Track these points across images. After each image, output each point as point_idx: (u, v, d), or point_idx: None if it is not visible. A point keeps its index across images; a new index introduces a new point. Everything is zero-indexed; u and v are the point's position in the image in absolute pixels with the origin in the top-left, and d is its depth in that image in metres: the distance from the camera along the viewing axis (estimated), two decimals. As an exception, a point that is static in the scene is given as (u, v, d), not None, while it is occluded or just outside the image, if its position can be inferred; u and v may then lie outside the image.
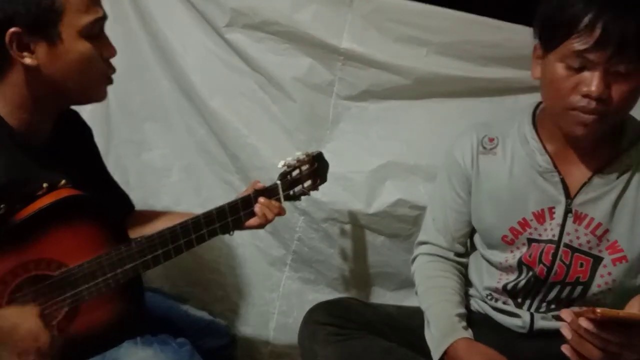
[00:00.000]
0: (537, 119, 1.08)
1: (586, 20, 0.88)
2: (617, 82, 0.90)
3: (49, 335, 0.84)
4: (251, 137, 1.41)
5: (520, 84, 1.31)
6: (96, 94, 0.98)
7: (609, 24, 0.86)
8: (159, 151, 1.55)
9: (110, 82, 0.98)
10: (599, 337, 0.73)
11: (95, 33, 0.91)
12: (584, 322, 0.73)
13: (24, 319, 0.83)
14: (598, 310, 0.70)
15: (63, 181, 0.93)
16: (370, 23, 1.30)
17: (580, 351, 0.76)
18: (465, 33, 1.28)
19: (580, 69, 0.91)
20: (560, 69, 0.93)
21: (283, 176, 1.10)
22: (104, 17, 0.93)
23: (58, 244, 0.90)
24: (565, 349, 0.78)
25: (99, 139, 1.16)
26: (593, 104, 0.90)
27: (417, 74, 1.31)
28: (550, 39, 0.94)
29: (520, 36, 1.27)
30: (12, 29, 0.83)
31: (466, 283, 1.21)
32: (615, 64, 0.88)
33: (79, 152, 1.05)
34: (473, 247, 1.21)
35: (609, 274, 1.02)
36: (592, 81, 0.89)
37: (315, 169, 1.15)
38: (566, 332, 0.77)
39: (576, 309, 0.95)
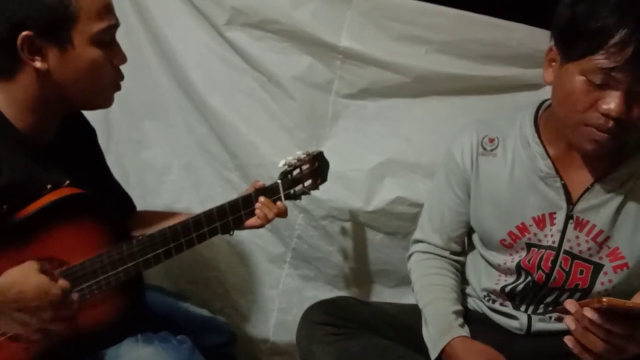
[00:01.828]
0: (540, 120, 1.05)
1: (618, 37, 0.82)
2: (637, 102, 0.86)
3: (58, 285, 0.84)
4: (251, 135, 1.42)
5: (520, 82, 1.32)
6: (103, 101, 0.97)
7: None
8: (159, 149, 1.55)
9: (118, 88, 0.98)
10: (603, 329, 0.72)
11: (106, 40, 0.91)
12: (588, 312, 0.72)
13: (26, 280, 0.81)
14: (604, 299, 0.69)
15: (67, 182, 0.93)
16: (370, 21, 1.31)
17: (584, 343, 0.75)
18: (464, 31, 1.28)
19: (600, 86, 0.86)
20: (579, 82, 0.87)
21: (284, 175, 1.10)
22: (116, 25, 0.93)
23: (59, 242, 0.91)
24: (568, 340, 0.77)
25: (99, 138, 1.15)
26: (610, 123, 0.86)
27: (416, 72, 1.32)
28: (573, 49, 0.88)
29: (520, 34, 1.27)
30: (24, 33, 0.83)
31: (463, 281, 1.20)
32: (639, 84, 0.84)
33: (82, 153, 1.05)
34: (471, 246, 1.20)
35: (610, 281, 1.01)
36: (613, 100, 0.85)
37: (316, 168, 1.15)
38: (570, 323, 0.76)
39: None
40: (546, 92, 1.09)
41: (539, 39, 1.26)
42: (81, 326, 0.95)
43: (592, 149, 0.92)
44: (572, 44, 0.88)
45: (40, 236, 0.89)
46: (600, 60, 0.84)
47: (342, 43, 1.32)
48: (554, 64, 0.95)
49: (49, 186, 0.91)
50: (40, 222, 0.88)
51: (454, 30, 1.28)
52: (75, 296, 0.88)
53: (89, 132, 1.12)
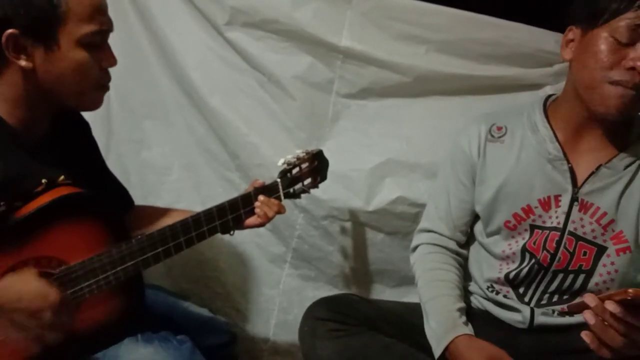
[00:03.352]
0: (548, 109, 1.10)
1: None
2: None
3: (57, 291, 0.84)
4: (251, 135, 1.42)
5: (520, 82, 1.32)
6: (90, 102, 0.97)
7: None
8: (159, 149, 1.55)
9: (106, 90, 0.98)
10: (624, 323, 0.72)
11: (95, 43, 0.90)
12: (611, 306, 0.71)
13: (26, 284, 0.82)
14: (630, 290, 0.68)
15: (62, 177, 0.93)
16: (370, 21, 1.31)
17: (602, 338, 0.74)
18: (464, 31, 1.28)
19: (627, 44, 0.92)
20: (607, 42, 0.94)
21: (283, 174, 1.11)
22: (108, 30, 0.93)
23: (58, 241, 0.91)
24: (585, 335, 0.76)
25: (99, 138, 1.16)
26: (637, 78, 0.92)
27: (416, 72, 1.32)
28: (602, 13, 0.95)
29: (520, 34, 1.27)
30: (10, 31, 0.83)
31: (466, 277, 1.21)
32: None
33: (77, 147, 1.05)
34: (473, 239, 1.21)
35: (612, 263, 1.03)
36: (639, 55, 0.91)
37: (316, 166, 1.15)
38: (589, 318, 0.75)
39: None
40: (546, 93, 1.09)
41: (538, 38, 1.27)
42: (81, 326, 0.95)
43: (617, 106, 0.95)
44: (602, 9, 0.95)
45: (39, 235, 0.89)
46: (630, 17, 0.92)
47: (342, 43, 1.32)
48: (571, 43, 1.02)
49: (44, 180, 0.91)
50: (39, 221, 0.88)
51: (454, 30, 1.29)
52: (72, 303, 0.88)
53: (83, 126, 1.11)
